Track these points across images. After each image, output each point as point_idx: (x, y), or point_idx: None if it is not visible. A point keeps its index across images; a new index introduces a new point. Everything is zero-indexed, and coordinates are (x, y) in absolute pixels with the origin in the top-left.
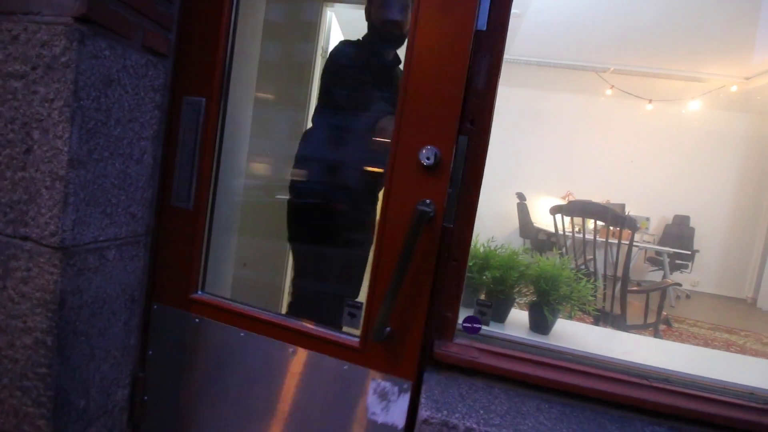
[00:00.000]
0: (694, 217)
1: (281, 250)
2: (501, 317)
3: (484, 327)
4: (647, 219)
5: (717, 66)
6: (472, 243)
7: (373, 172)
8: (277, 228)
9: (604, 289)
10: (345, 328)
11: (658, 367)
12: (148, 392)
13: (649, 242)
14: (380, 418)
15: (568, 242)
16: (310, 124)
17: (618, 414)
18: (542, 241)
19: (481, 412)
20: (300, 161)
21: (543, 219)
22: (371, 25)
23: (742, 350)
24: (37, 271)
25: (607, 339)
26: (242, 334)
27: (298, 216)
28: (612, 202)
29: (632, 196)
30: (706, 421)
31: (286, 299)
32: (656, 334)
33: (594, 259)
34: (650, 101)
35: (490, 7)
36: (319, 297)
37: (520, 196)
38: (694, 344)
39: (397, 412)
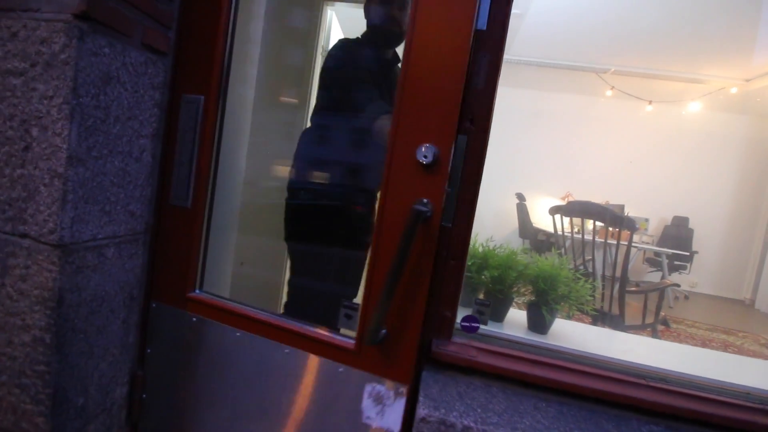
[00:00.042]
0: (693, 218)
1: (281, 249)
2: (499, 317)
3: (482, 326)
4: (646, 220)
5: (717, 68)
6: (471, 243)
7: (372, 171)
8: (277, 226)
9: (603, 289)
10: (342, 330)
11: (655, 367)
12: (146, 390)
13: (648, 243)
14: (375, 423)
15: (567, 243)
16: (309, 124)
17: (615, 413)
18: (541, 242)
19: (479, 410)
20: (298, 160)
21: (542, 219)
22: (370, 23)
23: (740, 351)
24: (36, 269)
25: (605, 339)
26: (238, 334)
27: (294, 216)
28: (611, 203)
29: (632, 197)
30: (702, 421)
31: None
32: (654, 335)
33: (593, 259)
34: (650, 102)
35: (490, 6)
36: (315, 297)
37: (520, 197)
38: (691, 345)
39: (393, 416)
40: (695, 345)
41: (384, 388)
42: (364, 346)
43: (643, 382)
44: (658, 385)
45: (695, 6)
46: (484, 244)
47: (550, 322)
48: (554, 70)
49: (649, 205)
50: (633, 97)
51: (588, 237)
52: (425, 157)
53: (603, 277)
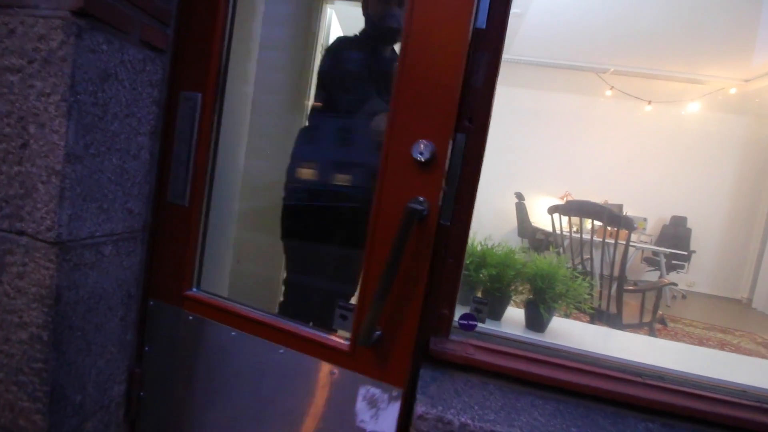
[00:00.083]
0: (691, 218)
1: (280, 247)
2: (497, 315)
3: (480, 324)
4: (645, 219)
5: (716, 68)
6: (470, 241)
7: (369, 170)
8: (276, 225)
9: (601, 288)
10: (340, 331)
11: (652, 365)
12: (144, 388)
13: (646, 242)
14: (369, 426)
15: (566, 242)
16: (306, 122)
17: (612, 411)
18: (540, 241)
19: (476, 407)
20: (295, 159)
21: (541, 219)
22: (369, 20)
23: (737, 350)
24: (33, 266)
25: (602, 337)
26: (233, 333)
27: (290, 214)
28: (610, 202)
29: (630, 196)
30: (699, 419)
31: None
32: (652, 333)
33: (591, 258)
34: (649, 102)
35: (489, 5)
36: (311, 297)
37: (519, 196)
38: (688, 343)
39: (387, 420)
40: (692, 343)
41: (378, 391)
42: (358, 348)
43: (639, 379)
44: (655, 383)
45: (695, 6)
46: (483, 243)
47: (548, 321)
48: (554, 70)
49: (648, 205)
50: (632, 97)
51: (586, 236)
52: (421, 154)
53: (601, 275)
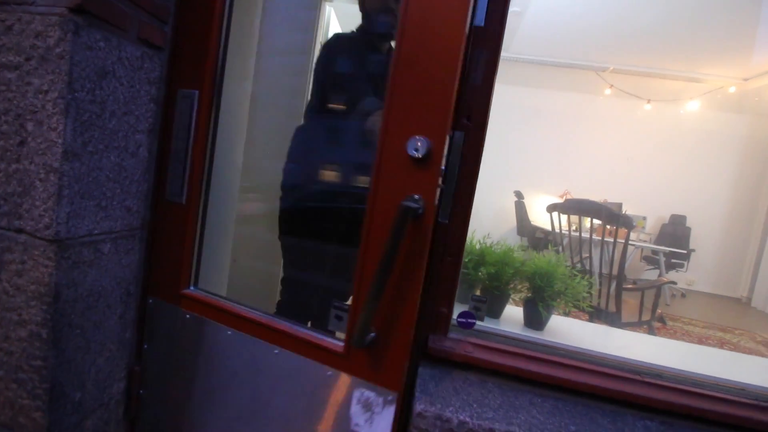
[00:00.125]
0: (690, 216)
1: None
2: (496, 313)
3: (478, 322)
4: (644, 218)
5: (716, 67)
6: (468, 239)
7: (366, 169)
8: (275, 223)
9: (600, 286)
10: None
11: (650, 363)
12: (144, 386)
13: (645, 241)
14: (364, 430)
15: (565, 240)
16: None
17: (610, 409)
18: (539, 239)
19: (475, 405)
20: (291, 158)
21: (540, 217)
22: (365, 16)
23: (736, 348)
24: (32, 264)
25: (601, 335)
26: (229, 333)
27: (287, 214)
28: (609, 201)
29: (629, 195)
30: (697, 417)
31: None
32: (651, 332)
33: (590, 257)
34: (649, 101)
35: (488, 2)
36: (308, 297)
37: (518, 195)
38: (688, 342)
39: (382, 425)
40: (692, 342)
41: (373, 394)
42: (352, 349)
43: (638, 377)
44: (654, 381)
45: (694, 5)
46: (481, 241)
47: (547, 319)
48: (553, 68)
49: (647, 204)
50: (632, 96)
51: (585, 235)
52: (416, 150)
53: (600, 274)
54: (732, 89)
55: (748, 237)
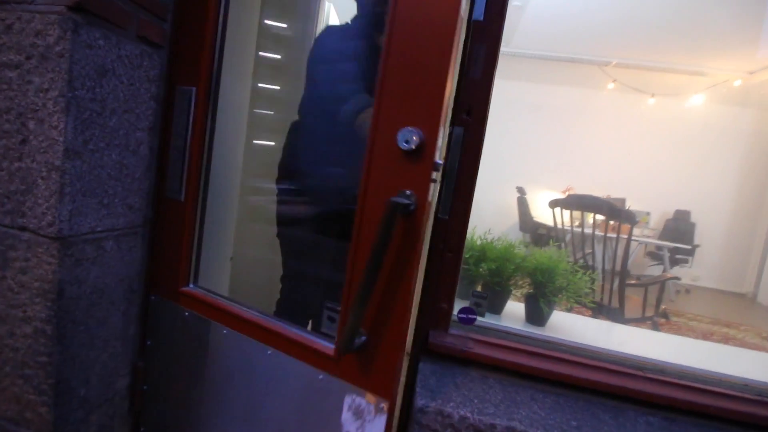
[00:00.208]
0: (695, 212)
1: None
2: (497, 309)
3: (479, 318)
4: (648, 213)
5: (721, 60)
6: (469, 235)
7: (360, 165)
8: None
9: (603, 282)
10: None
11: (652, 359)
12: (147, 381)
13: (649, 237)
14: None
15: (567, 236)
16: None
17: (612, 404)
18: (542, 235)
19: (476, 401)
20: (285, 154)
21: (543, 213)
22: (360, 5)
23: (742, 344)
24: (36, 261)
25: (604, 331)
26: (225, 332)
27: (283, 211)
28: (613, 196)
29: (633, 190)
30: (700, 412)
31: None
32: (654, 327)
33: (593, 252)
34: (653, 95)
35: None
36: (307, 296)
37: (520, 190)
38: (692, 338)
39: None
40: (696, 338)
41: (364, 401)
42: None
43: (639, 373)
44: (655, 376)
45: None
46: (482, 237)
47: (548, 315)
48: (555, 63)
49: (651, 199)
50: (635, 90)
51: (588, 230)
52: (408, 143)
53: (603, 270)
54: (737, 83)
55: (754, 232)
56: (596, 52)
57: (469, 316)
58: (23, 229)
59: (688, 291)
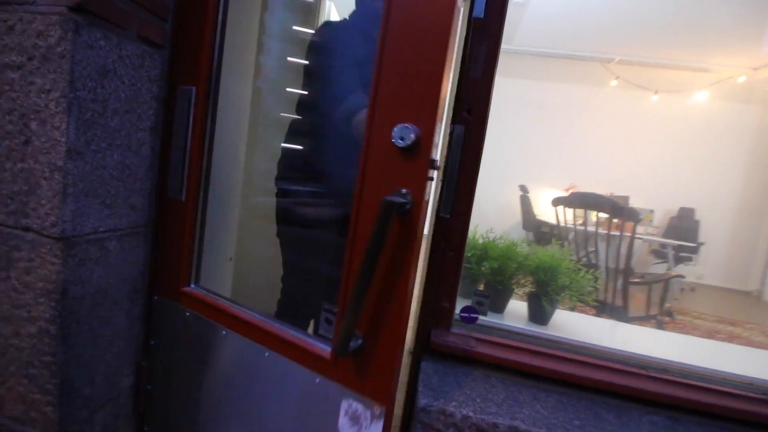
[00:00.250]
0: (699, 209)
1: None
2: (500, 308)
3: (481, 317)
4: (651, 211)
5: (724, 56)
6: (471, 234)
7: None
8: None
9: (606, 280)
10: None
11: (656, 358)
12: (151, 381)
13: (653, 235)
14: None
15: (571, 234)
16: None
17: (615, 403)
18: (545, 234)
19: (478, 400)
20: (284, 153)
21: (546, 211)
22: (359, 2)
23: (747, 342)
24: (40, 262)
25: (607, 330)
26: (224, 332)
27: (283, 211)
28: (616, 194)
29: (637, 188)
30: (704, 411)
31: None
32: (659, 326)
33: (596, 250)
34: (656, 92)
35: None
36: (307, 296)
37: (523, 189)
38: (697, 336)
39: None
40: (700, 336)
41: (361, 406)
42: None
43: (643, 372)
44: (659, 375)
45: None
46: (484, 236)
47: (551, 313)
48: (557, 60)
49: (655, 197)
50: (638, 87)
51: (591, 228)
52: (402, 139)
53: (607, 268)
54: (741, 79)
55: (759, 229)
56: (599, 49)
57: (471, 314)
58: (27, 229)
59: (692, 289)
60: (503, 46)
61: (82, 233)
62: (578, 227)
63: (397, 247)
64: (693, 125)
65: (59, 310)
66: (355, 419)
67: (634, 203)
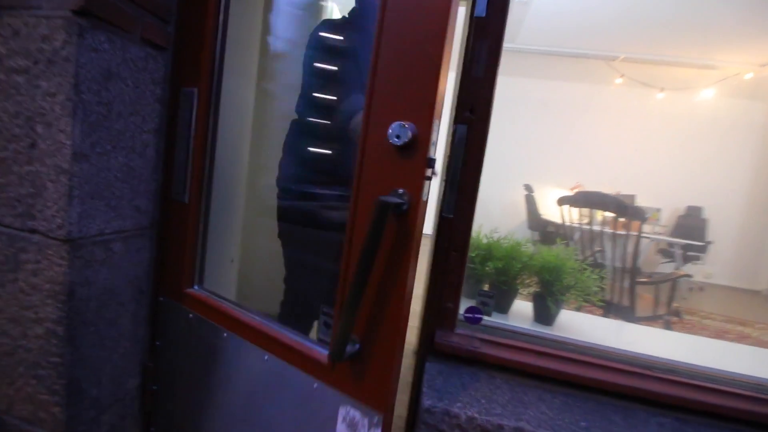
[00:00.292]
0: (707, 208)
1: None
2: (504, 308)
3: (486, 317)
4: (658, 210)
5: (731, 53)
6: (475, 234)
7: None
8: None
9: (613, 280)
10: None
11: (663, 358)
12: (157, 382)
13: (660, 234)
14: None
15: (576, 234)
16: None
17: (622, 405)
18: (551, 233)
19: (483, 401)
20: (284, 155)
21: (552, 211)
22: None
23: (757, 343)
24: (46, 263)
25: (614, 330)
26: (225, 335)
27: (284, 211)
28: (622, 193)
29: (643, 187)
30: (713, 413)
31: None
32: (667, 326)
33: (602, 250)
34: (662, 90)
35: None
36: (309, 298)
37: (528, 188)
38: (706, 336)
39: None
40: (710, 336)
41: (358, 414)
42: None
43: (650, 373)
44: (666, 376)
45: None
46: (488, 236)
47: (556, 313)
48: (562, 59)
49: (662, 195)
50: (644, 85)
51: (597, 227)
52: (398, 137)
53: (613, 268)
54: (748, 76)
55: None
56: (603, 47)
57: (475, 315)
58: (33, 231)
59: (701, 288)
60: (507, 44)
61: (88, 235)
62: (584, 227)
63: (393, 250)
64: (700, 123)
65: (66, 312)
66: (352, 426)
67: (641, 202)
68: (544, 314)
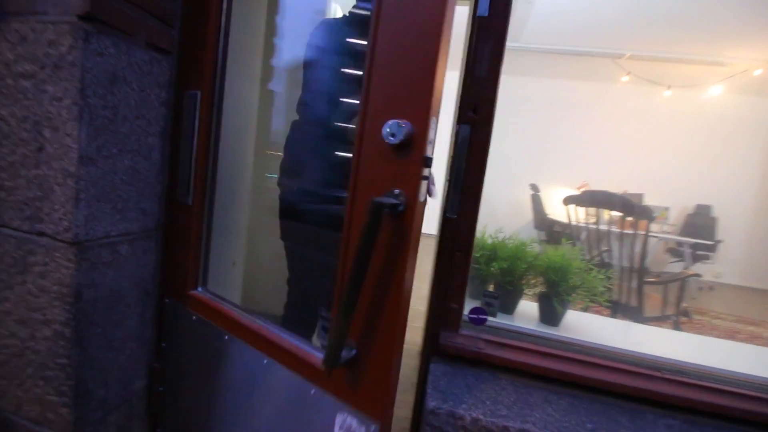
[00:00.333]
0: (717, 206)
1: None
2: (509, 309)
3: (491, 318)
4: (667, 209)
5: (739, 49)
6: (480, 234)
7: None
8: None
9: (620, 280)
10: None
11: (671, 359)
12: (164, 383)
13: (669, 232)
14: None
15: (583, 234)
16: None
17: (629, 406)
18: (557, 233)
19: (488, 403)
20: (285, 156)
21: (558, 210)
22: None
23: None
24: (54, 266)
25: (621, 331)
26: (226, 337)
27: (285, 213)
28: (630, 192)
29: (651, 185)
30: (722, 414)
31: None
32: (676, 326)
33: (609, 249)
34: (669, 87)
35: None
36: (311, 301)
37: (534, 188)
38: (716, 336)
39: None
40: (720, 337)
41: (355, 421)
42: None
43: (657, 374)
44: (675, 377)
45: None
46: (493, 236)
47: (562, 314)
48: (567, 57)
49: (670, 194)
50: (650, 83)
51: (604, 227)
52: (393, 136)
53: (621, 267)
54: (757, 72)
55: None
56: (609, 45)
57: (480, 316)
58: (41, 234)
59: (711, 288)
60: (511, 44)
61: (95, 237)
62: (591, 226)
63: (390, 252)
64: (708, 120)
65: (73, 313)
66: None
67: (649, 201)
68: (550, 315)
